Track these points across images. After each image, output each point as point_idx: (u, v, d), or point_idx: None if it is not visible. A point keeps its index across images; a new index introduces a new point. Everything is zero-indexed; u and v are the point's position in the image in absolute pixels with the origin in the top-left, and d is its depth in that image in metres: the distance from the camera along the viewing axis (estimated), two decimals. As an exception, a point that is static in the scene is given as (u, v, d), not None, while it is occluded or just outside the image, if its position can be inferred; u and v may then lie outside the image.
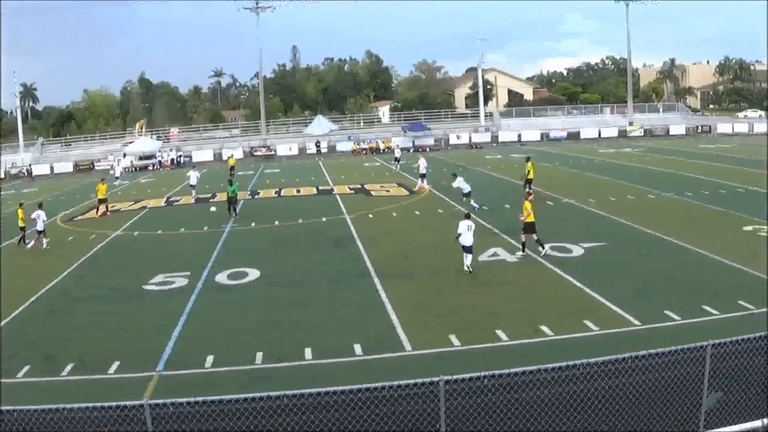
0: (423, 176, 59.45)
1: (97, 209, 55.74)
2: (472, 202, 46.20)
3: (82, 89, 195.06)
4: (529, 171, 50.92)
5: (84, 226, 49.85)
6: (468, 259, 30.87)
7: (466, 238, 30.78)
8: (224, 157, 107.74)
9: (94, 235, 44.63)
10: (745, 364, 13.80)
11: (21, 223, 43.12)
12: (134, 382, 20.22)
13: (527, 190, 49.58)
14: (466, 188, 46.84)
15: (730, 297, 24.73)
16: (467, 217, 31.80)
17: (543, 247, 32.92)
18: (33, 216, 42.02)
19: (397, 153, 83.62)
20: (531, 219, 32.81)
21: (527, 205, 33.18)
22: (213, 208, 54.26)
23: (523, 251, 33.07)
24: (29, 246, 41.93)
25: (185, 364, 21.43)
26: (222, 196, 56.07)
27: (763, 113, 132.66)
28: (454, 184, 47.69)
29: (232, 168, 79.90)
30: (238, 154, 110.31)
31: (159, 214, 54.42)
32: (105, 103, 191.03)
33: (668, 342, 15.97)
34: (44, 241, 42.21)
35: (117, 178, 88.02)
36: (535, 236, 33.03)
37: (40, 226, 42.02)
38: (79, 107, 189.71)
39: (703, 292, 25.67)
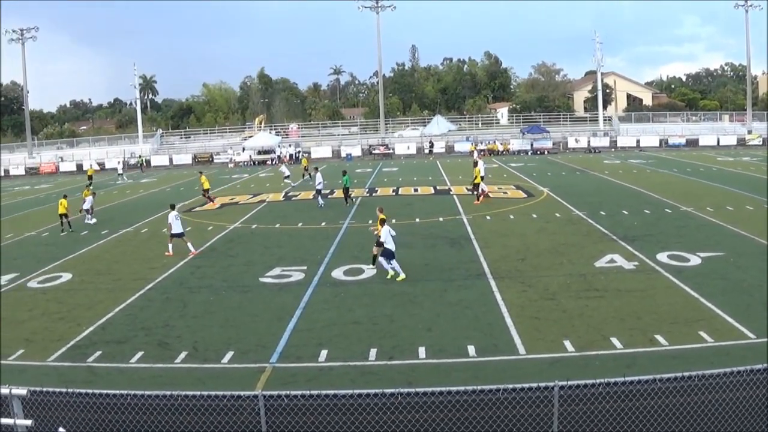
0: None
1: (210, 199, 58.48)
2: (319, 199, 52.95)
3: (202, 83, 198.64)
4: (476, 176, 53.77)
5: (201, 217, 50.83)
6: (396, 264, 30.81)
7: (391, 243, 30.61)
8: (342, 155, 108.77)
9: (211, 226, 45.36)
10: None
11: (61, 210, 45.65)
12: (247, 372, 20.51)
13: (476, 192, 53.70)
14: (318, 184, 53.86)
15: None
16: (384, 222, 31.49)
17: (373, 264, 32.69)
18: (170, 221, 38.17)
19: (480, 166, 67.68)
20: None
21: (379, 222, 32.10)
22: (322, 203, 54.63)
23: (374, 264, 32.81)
24: (168, 254, 37.78)
25: (298, 357, 21.62)
26: (340, 193, 56.66)
27: None
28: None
29: (306, 168, 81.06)
30: (357, 152, 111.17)
31: (277, 208, 55.04)
32: (224, 97, 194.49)
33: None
34: (189, 246, 38.15)
35: (120, 174, 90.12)
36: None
37: (176, 229, 37.91)
38: (198, 101, 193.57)
39: (825, 309, 24.83)
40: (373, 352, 21.84)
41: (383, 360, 21.18)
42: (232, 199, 60.57)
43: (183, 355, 22.22)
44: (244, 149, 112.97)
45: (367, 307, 26.76)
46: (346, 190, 54.72)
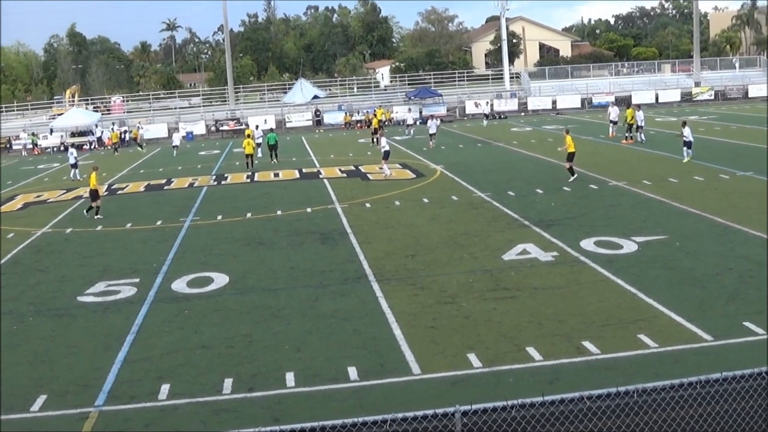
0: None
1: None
2: None
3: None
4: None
5: (-1, 222, 49.75)
6: None
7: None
8: (181, 133, 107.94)
9: (12, 233, 44.46)
10: None
11: None
12: (66, 421, 19.98)
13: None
14: None
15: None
16: None
17: None
18: None
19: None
20: None
21: None
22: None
23: None
24: None
25: (133, 396, 21.20)
26: (179, 183, 56.20)
27: None
28: None
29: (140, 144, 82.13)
30: (200, 129, 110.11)
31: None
32: (24, 63, 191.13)
33: (749, 363, 15.83)
34: None
35: None
36: None
37: None
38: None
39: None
40: (228, 383, 21.59)
41: (241, 392, 20.95)
42: (39, 196, 59.42)
43: (-22, 404, 21.59)
44: (52, 131, 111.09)
45: (219, 327, 26.45)
46: (272, 147, 71.26)
